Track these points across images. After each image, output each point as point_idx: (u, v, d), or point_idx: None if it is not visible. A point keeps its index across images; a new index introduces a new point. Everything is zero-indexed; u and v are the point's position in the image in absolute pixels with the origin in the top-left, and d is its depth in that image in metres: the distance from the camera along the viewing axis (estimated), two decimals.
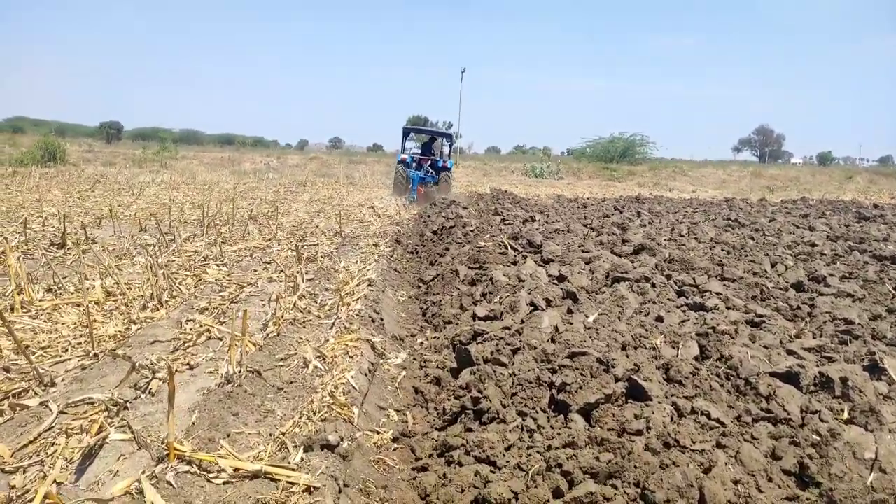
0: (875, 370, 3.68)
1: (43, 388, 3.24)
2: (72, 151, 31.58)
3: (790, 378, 3.44)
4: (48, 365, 3.54)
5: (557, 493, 2.44)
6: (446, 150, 20.80)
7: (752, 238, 10.03)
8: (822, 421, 2.99)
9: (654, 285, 6.04)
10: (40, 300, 4.71)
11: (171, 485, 2.36)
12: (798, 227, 11.74)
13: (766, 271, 7.08)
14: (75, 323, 4.25)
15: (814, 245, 9.14)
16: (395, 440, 3.25)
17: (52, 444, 2.62)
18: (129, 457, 2.59)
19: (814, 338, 4.47)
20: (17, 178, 16.30)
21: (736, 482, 2.46)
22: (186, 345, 4.01)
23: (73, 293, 4.91)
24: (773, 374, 3.45)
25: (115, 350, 3.75)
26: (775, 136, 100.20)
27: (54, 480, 2.34)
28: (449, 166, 18.89)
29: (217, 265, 6.42)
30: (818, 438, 2.72)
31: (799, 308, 5.29)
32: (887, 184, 35.62)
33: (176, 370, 3.57)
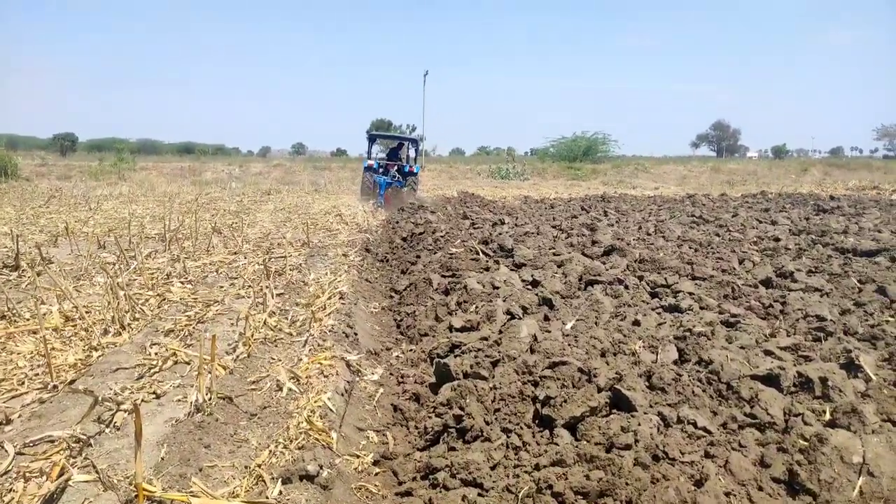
0: (852, 367, 3.71)
1: None
2: (24, 166, 30.58)
3: (771, 380, 3.44)
4: (3, 401, 3.33)
5: None
6: (412, 154, 21.12)
7: (718, 234, 10.17)
8: (805, 424, 2.98)
9: (627, 287, 6.04)
10: None
11: None
12: (761, 222, 11.96)
13: (734, 268, 7.16)
14: (32, 352, 4.02)
15: (777, 240, 9.30)
16: (376, 463, 3.14)
17: (9, 491, 2.44)
18: (94, 500, 2.42)
19: (788, 336, 4.50)
20: None
21: (728, 494, 2.43)
22: (152, 371, 3.82)
23: (28, 320, 4.67)
24: (753, 377, 3.44)
25: (73, 383, 3.55)
26: (731, 131, 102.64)
27: None
28: (416, 171, 19.40)
29: (181, 283, 6.20)
30: (805, 443, 2.71)
31: (771, 306, 5.33)
32: (841, 175, 36.70)
33: (142, 400, 3.40)
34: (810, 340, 4.43)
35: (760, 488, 2.53)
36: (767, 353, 3.96)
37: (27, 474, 2.55)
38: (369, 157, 19.94)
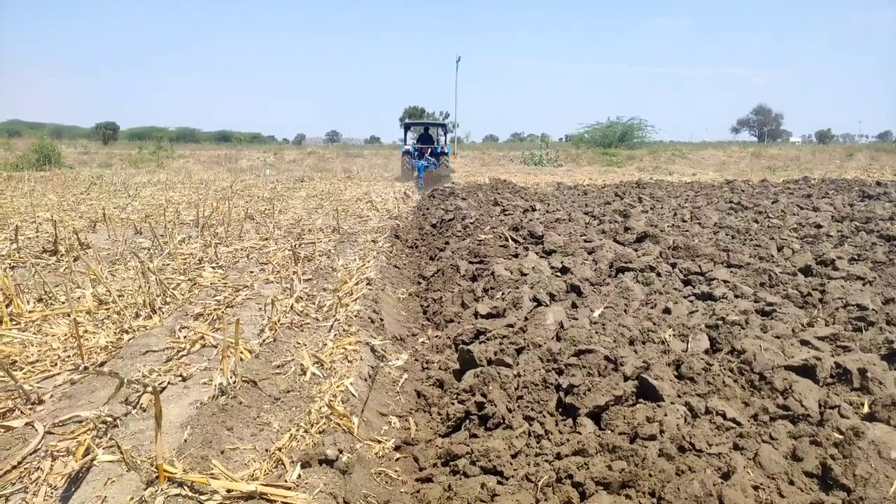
0: (894, 359, 3.55)
1: (30, 406, 3.12)
2: (67, 154, 31.42)
3: (806, 371, 3.31)
4: (36, 381, 3.41)
5: None
6: (442, 138, 24.23)
7: (756, 221, 9.88)
8: (842, 416, 2.86)
9: (659, 275, 5.90)
10: (30, 311, 4.58)
11: None
12: (802, 209, 11.58)
13: (772, 256, 6.94)
14: (65, 335, 4.12)
15: (819, 226, 8.99)
16: (397, 449, 3.13)
17: (37, 469, 2.50)
18: (117, 480, 2.46)
19: (827, 325, 4.32)
20: (12, 183, 16.15)
21: (756, 487, 2.33)
22: (180, 354, 3.88)
23: (63, 303, 4.78)
24: (787, 368, 3.32)
25: (103, 365, 3.62)
26: (773, 116, 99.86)
27: None
28: (447, 151, 22.82)
29: (212, 268, 6.29)
30: (840, 437, 2.59)
31: (809, 294, 5.15)
32: (889, 160, 35.34)
33: (168, 382, 3.45)
34: (850, 330, 4.25)
35: (791, 482, 2.43)
36: (804, 342, 3.81)
37: (54, 453, 2.60)
38: (405, 144, 23.06)
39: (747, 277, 5.85)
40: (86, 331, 4.20)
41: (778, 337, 3.94)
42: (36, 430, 2.81)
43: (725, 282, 5.50)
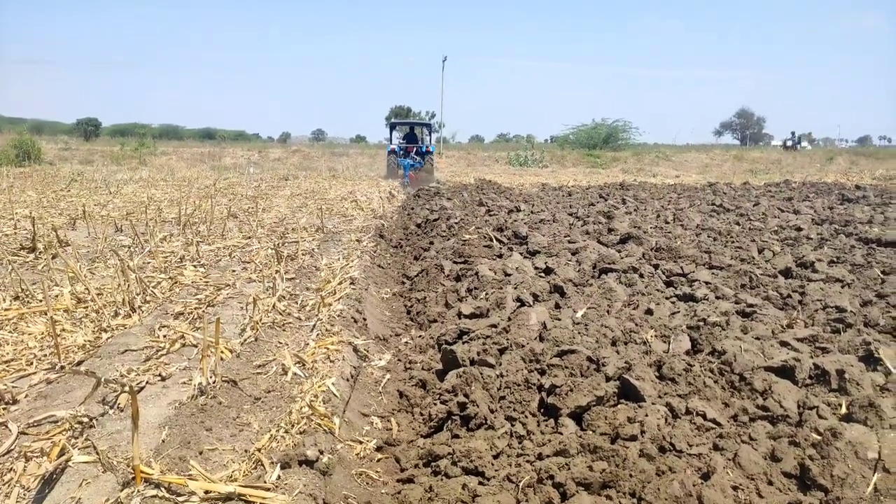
0: (871, 360, 3.59)
1: (3, 406, 3.06)
2: (48, 150, 30.96)
3: (785, 372, 3.34)
4: (10, 380, 3.35)
5: None
6: (427, 138, 25.34)
7: (738, 223, 9.98)
8: (820, 417, 2.89)
9: (642, 276, 5.94)
10: (6, 309, 4.50)
11: None
12: (783, 211, 11.71)
13: (753, 258, 7.01)
14: (42, 333, 4.05)
15: (799, 229, 9.09)
16: (378, 449, 3.11)
17: (10, 471, 2.45)
18: (92, 481, 2.42)
19: (806, 327, 4.37)
20: None
21: (735, 488, 2.35)
22: (159, 354, 3.83)
23: (40, 301, 4.70)
24: (767, 369, 3.35)
25: (80, 364, 3.57)
26: (756, 119, 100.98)
27: None
28: (432, 150, 23.78)
29: (194, 266, 6.22)
30: (818, 437, 2.62)
31: (789, 296, 5.20)
32: (867, 164, 35.84)
33: (147, 382, 3.40)
34: (829, 332, 4.30)
35: (770, 482, 2.45)
36: (783, 344, 3.85)
37: (28, 454, 2.55)
38: (391, 143, 23.88)
39: (728, 279, 5.90)
40: (63, 329, 4.13)
41: (758, 338, 3.97)
42: (9, 430, 2.76)
43: (707, 283, 5.54)
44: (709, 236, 8.48)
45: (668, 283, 5.83)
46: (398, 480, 2.82)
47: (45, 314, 4.33)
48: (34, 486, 2.36)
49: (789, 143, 55.18)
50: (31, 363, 3.60)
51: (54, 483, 2.39)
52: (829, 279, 5.85)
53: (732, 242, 7.94)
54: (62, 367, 3.50)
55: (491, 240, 7.72)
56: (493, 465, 2.68)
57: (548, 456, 2.61)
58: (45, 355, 3.71)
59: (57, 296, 4.81)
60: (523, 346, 3.80)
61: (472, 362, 3.65)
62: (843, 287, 5.58)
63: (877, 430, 2.64)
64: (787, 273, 6.24)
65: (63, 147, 36.92)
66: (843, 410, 2.99)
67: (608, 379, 3.25)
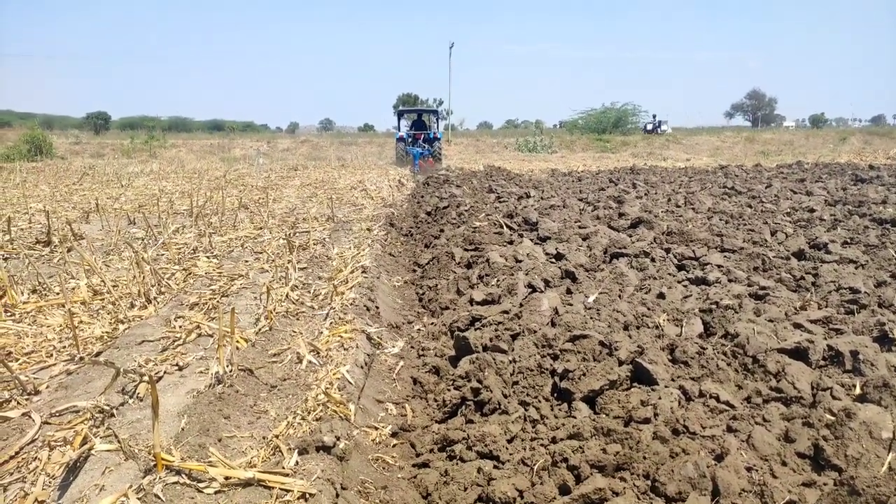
0: (885, 341, 3.58)
1: (26, 396, 3.12)
2: (59, 144, 31.21)
3: (799, 354, 3.34)
4: (32, 371, 3.41)
5: (564, 490, 2.33)
6: (435, 125, 25.63)
7: (750, 206, 9.91)
8: (834, 398, 2.89)
9: (653, 260, 5.93)
10: (24, 302, 4.57)
11: (160, 498, 2.25)
12: (795, 193, 11.61)
13: (766, 240, 6.97)
14: (60, 325, 4.12)
15: (812, 211, 9.02)
16: (394, 435, 3.15)
17: (35, 459, 2.51)
18: (115, 469, 2.47)
19: (819, 309, 4.36)
20: (4, 174, 16.04)
21: (749, 468, 2.36)
22: (176, 344, 3.88)
23: (57, 294, 4.77)
24: (781, 351, 3.35)
25: (99, 355, 3.62)
26: (767, 100, 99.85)
27: (36, 500, 2.23)
28: (439, 136, 23.85)
29: (207, 257, 6.27)
30: (832, 418, 2.62)
31: (802, 278, 5.18)
32: (882, 144, 35.42)
33: (165, 372, 3.45)
34: (842, 313, 4.28)
35: (784, 463, 2.46)
36: (797, 326, 3.84)
37: (52, 443, 2.61)
38: (399, 131, 24.47)
39: (741, 262, 5.88)
40: (81, 321, 4.19)
41: (771, 320, 3.97)
42: (33, 420, 2.82)
43: (719, 266, 5.53)
44: (720, 219, 8.43)
45: (680, 267, 5.82)
46: (414, 465, 2.86)
47: (63, 306, 4.40)
48: (59, 473, 2.41)
49: (650, 128, 54.55)
50: (51, 355, 3.66)
51: (78, 471, 2.44)
52: (843, 260, 5.81)
53: (744, 225, 7.90)
54: (81, 359, 3.56)
55: (501, 226, 7.72)
56: (507, 448, 2.70)
57: (562, 439, 2.64)
58: (65, 347, 3.77)
59: (73, 288, 4.87)
60: (535, 331, 3.82)
61: (485, 348, 3.68)
62: (856, 268, 5.55)
63: (891, 410, 2.64)
64: (800, 255, 6.21)
65: (74, 141, 37.17)
66: (857, 391, 2.99)
67: (621, 363, 3.27)
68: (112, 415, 2.90)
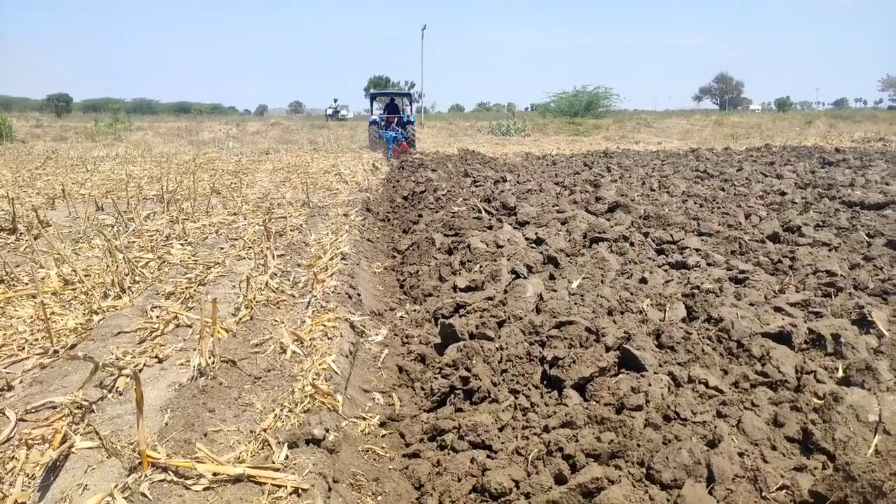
0: (864, 324, 3.64)
1: None
2: (19, 127, 30.16)
3: (782, 338, 3.38)
4: (3, 366, 3.29)
5: (560, 479, 2.32)
6: (408, 108, 25.28)
7: (723, 189, 10.04)
8: (818, 382, 2.93)
9: (632, 244, 5.96)
10: None
11: (147, 496, 2.18)
12: (766, 176, 11.80)
13: (740, 223, 7.07)
14: (31, 317, 3.97)
15: (784, 194, 9.17)
16: (382, 425, 3.10)
17: (12, 459, 2.41)
18: (97, 467, 2.39)
19: (798, 292, 4.43)
20: None
21: (741, 454, 2.38)
22: (154, 335, 3.77)
23: (26, 284, 4.60)
24: (764, 335, 3.38)
25: (74, 347, 3.50)
26: (734, 84, 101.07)
27: (16, 501, 2.14)
28: (413, 120, 24.24)
29: (181, 244, 6.12)
30: (819, 402, 2.66)
31: (780, 261, 5.25)
32: (846, 127, 36.15)
33: (144, 364, 3.36)
34: (820, 296, 4.36)
35: (774, 448, 2.48)
36: (777, 309, 3.89)
37: (29, 441, 2.51)
38: (372, 114, 24.16)
39: (718, 245, 5.94)
40: (53, 312, 4.05)
41: (752, 304, 4.02)
42: (7, 417, 2.71)
43: (697, 250, 5.58)
44: (695, 203, 8.52)
45: (660, 251, 5.87)
46: (405, 455, 2.83)
47: (34, 297, 4.24)
48: (39, 473, 2.31)
49: (329, 112, 55.66)
50: (23, 348, 3.53)
51: (59, 470, 2.36)
52: (817, 243, 5.91)
53: (719, 208, 7.99)
54: (55, 352, 3.44)
55: (480, 211, 7.69)
56: (499, 438, 2.69)
57: (554, 428, 2.63)
58: (37, 339, 3.64)
59: (43, 278, 4.70)
60: (521, 318, 3.80)
61: (472, 336, 3.65)
62: (830, 251, 5.66)
63: (875, 393, 2.69)
64: (774, 238, 6.30)
65: (35, 124, 35.95)
66: (841, 374, 3.04)
67: (608, 349, 3.27)
68: (91, 410, 2.80)
